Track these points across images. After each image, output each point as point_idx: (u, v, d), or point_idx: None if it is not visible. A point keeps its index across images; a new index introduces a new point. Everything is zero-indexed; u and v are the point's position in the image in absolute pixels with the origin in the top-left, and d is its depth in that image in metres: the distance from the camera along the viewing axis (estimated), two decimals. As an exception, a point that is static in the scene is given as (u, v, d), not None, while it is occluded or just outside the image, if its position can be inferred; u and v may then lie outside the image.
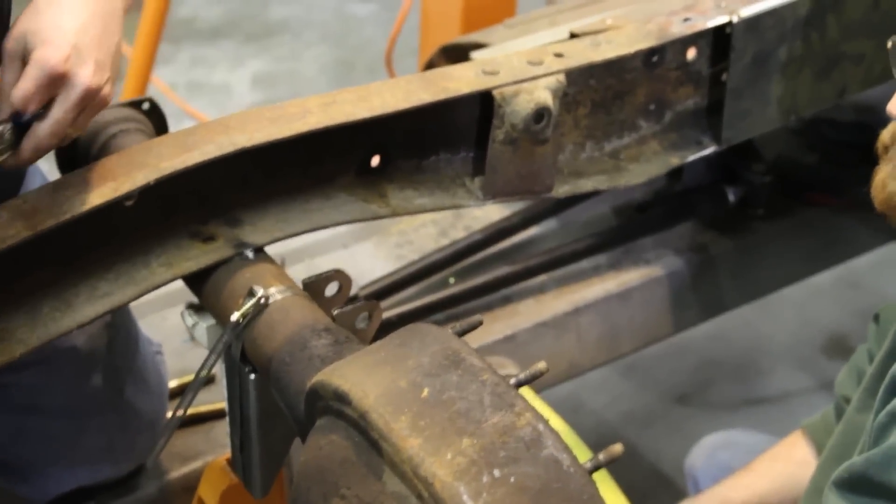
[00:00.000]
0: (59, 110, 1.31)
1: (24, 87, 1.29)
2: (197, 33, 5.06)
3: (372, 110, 1.54)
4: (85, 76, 1.30)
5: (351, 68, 4.82)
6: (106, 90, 1.33)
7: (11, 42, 1.31)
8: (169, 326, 2.20)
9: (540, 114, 1.65)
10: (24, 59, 1.30)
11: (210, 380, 2.01)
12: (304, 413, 1.24)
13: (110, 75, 1.33)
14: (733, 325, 3.36)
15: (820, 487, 1.60)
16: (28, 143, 1.33)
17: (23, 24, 1.31)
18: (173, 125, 1.64)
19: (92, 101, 1.32)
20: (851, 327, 3.51)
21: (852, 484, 1.35)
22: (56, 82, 1.29)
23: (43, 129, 1.32)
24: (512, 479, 1.00)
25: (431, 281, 2.31)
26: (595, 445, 2.08)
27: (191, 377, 1.49)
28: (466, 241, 2.36)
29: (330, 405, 1.14)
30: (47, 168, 1.66)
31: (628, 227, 2.45)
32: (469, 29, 2.99)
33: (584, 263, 2.36)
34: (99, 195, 1.38)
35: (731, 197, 2.49)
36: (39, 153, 1.34)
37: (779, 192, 2.55)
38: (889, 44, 1.47)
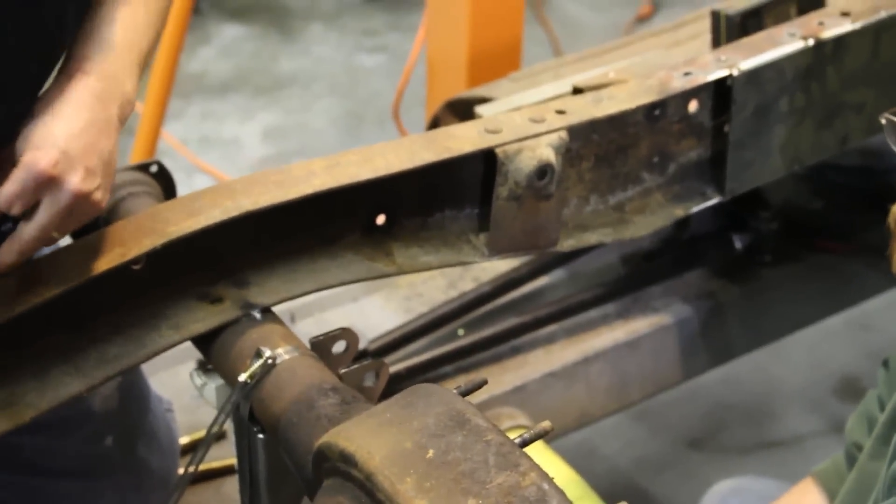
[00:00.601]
0: (45, 214, 1.29)
1: (10, 188, 1.26)
2: (207, 88, 5.10)
3: (376, 171, 1.56)
4: (74, 181, 1.28)
5: (360, 120, 4.85)
6: (97, 196, 1.31)
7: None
8: (179, 383, 2.20)
9: (543, 170, 1.67)
10: (13, 163, 1.28)
11: (221, 436, 2.02)
12: (311, 473, 1.25)
13: (101, 182, 1.31)
14: (745, 369, 3.35)
15: (836, 534, 1.60)
16: (11, 246, 1.30)
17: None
18: (185, 180, 1.65)
19: (81, 206, 1.30)
20: (863, 369, 3.50)
21: None
22: (43, 186, 1.27)
23: (27, 233, 1.30)
24: (517, 540, 1.01)
25: (441, 333, 2.32)
26: (607, 492, 2.09)
27: (202, 433, 1.50)
28: (475, 292, 2.37)
29: (337, 466, 1.14)
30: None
31: (636, 275, 2.46)
32: (474, 80, 3.02)
33: (593, 313, 2.36)
34: (107, 260, 1.40)
35: (739, 244, 2.50)
36: (22, 256, 1.32)
37: (786, 238, 2.56)
38: (883, 120, 1.48)
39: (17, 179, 1.26)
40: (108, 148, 1.33)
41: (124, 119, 1.37)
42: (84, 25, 1.38)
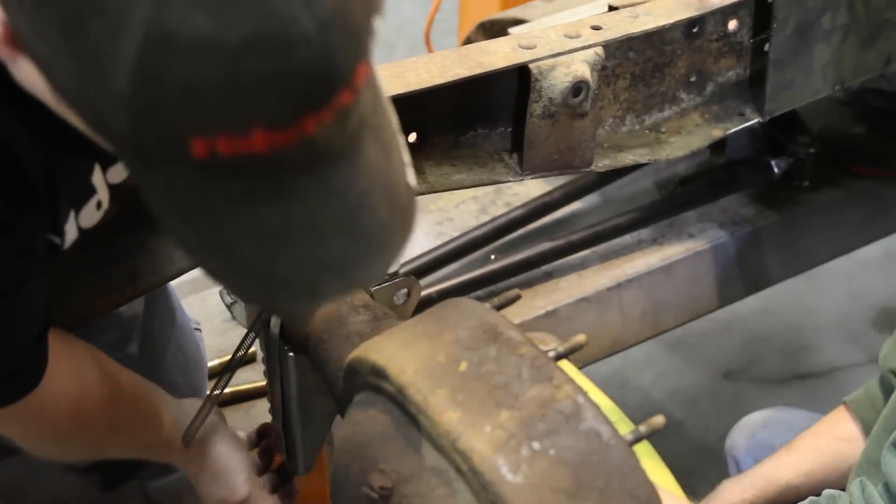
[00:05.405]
0: None
1: None
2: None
3: (407, 86, 1.52)
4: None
5: (391, 48, 4.81)
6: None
7: None
8: (209, 306, 2.20)
9: (578, 87, 1.63)
10: None
11: (250, 359, 2.01)
12: (343, 389, 1.23)
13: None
14: (780, 300, 3.32)
15: (873, 459, 1.58)
16: None
17: None
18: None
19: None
20: (901, 300, 3.47)
21: None
22: None
23: None
24: (551, 452, 0.99)
25: (472, 257, 2.30)
26: (641, 422, 2.06)
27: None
28: (507, 217, 2.34)
29: (368, 380, 1.13)
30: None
31: (671, 200, 2.43)
32: (507, 5, 2.97)
33: (627, 238, 2.34)
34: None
35: (776, 169, 2.46)
36: None
37: (824, 163, 2.51)
38: None
39: None
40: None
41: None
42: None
